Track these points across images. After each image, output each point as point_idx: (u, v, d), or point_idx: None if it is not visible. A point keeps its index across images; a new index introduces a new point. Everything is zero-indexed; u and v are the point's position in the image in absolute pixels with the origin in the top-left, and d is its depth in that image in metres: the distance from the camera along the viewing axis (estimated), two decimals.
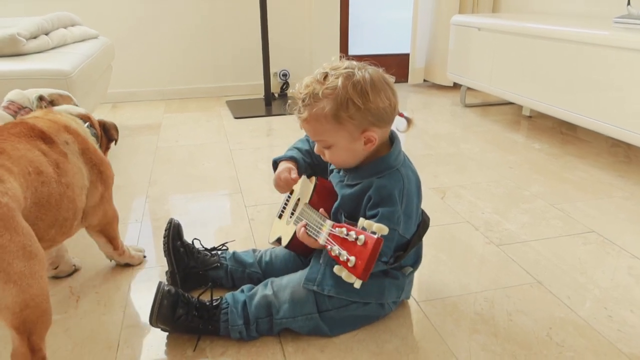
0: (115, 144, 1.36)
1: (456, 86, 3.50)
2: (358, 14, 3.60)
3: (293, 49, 3.46)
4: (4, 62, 1.75)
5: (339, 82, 0.97)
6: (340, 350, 1.03)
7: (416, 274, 1.16)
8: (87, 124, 1.23)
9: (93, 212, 1.17)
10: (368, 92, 0.97)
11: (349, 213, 1.07)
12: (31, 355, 0.86)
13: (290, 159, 1.20)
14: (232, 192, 1.85)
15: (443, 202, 1.73)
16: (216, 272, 1.22)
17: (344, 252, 0.87)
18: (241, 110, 3.02)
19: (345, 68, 0.99)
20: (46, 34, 2.08)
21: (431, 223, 1.56)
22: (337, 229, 0.91)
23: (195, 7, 3.24)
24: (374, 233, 0.85)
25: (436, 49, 3.48)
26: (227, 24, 3.32)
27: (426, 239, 1.46)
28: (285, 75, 3.42)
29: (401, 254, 1.04)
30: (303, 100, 1.01)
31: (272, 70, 3.20)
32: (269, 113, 2.97)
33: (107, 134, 1.32)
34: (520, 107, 2.93)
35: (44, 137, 1.05)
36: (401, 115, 1.07)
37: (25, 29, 1.91)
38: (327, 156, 1.07)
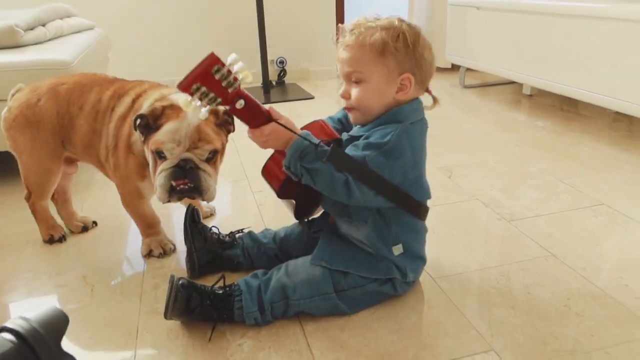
0: None
1: (454, 68, 3.48)
2: None
3: (290, 36, 3.43)
4: (3, 54, 1.72)
5: (395, 20, 0.99)
6: (360, 328, 1.03)
7: (430, 250, 1.15)
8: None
9: None
10: (420, 36, 0.98)
11: None
12: None
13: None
14: (238, 179, 1.84)
15: (450, 180, 1.73)
16: (233, 251, 1.23)
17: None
18: None
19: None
20: (43, 25, 2.05)
21: (441, 201, 1.58)
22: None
23: None
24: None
25: (433, 30, 3.45)
26: (223, 12, 3.29)
27: (437, 217, 1.47)
28: (282, 62, 3.40)
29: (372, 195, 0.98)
30: (352, 30, 1.00)
31: (269, 57, 3.17)
32: (267, 100, 2.96)
33: None
34: (521, 86, 2.93)
35: None
36: (429, 91, 1.07)
37: (22, 20, 1.88)
38: (353, 95, 1.01)
